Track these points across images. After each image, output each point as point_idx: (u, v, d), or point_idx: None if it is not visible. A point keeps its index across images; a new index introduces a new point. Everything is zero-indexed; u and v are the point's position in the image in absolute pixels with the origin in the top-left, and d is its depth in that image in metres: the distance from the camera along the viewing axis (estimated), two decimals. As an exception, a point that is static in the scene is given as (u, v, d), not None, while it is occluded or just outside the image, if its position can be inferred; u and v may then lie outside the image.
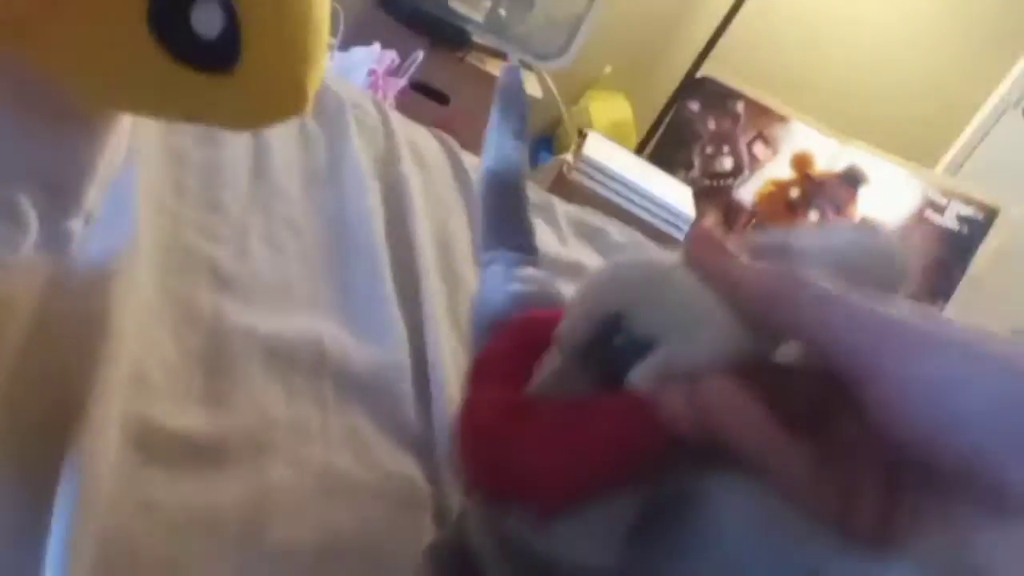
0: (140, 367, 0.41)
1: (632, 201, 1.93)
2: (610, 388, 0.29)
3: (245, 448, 0.41)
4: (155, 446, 0.38)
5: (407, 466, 0.46)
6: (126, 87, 0.28)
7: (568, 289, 0.69)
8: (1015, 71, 2.17)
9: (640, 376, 0.28)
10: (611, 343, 0.29)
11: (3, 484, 0.33)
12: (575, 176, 1.93)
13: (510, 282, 0.43)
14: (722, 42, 2.12)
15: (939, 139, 2.27)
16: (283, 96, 0.30)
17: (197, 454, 0.39)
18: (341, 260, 0.57)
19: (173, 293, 0.46)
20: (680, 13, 2.30)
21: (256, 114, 0.30)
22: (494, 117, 0.48)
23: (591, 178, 1.94)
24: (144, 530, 0.35)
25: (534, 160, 2.19)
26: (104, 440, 0.36)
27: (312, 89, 0.31)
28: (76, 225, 0.31)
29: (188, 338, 0.45)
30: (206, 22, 0.27)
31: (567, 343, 0.31)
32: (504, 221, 0.47)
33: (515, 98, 0.48)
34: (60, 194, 0.30)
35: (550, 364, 0.33)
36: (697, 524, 0.29)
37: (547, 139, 2.26)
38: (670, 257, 0.31)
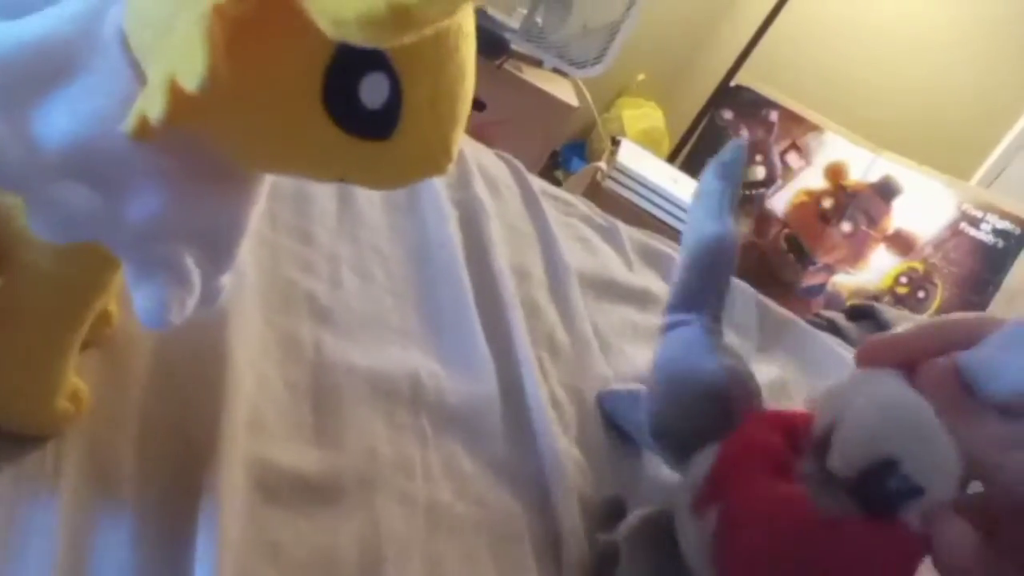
0: (254, 404, 0.42)
1: (665, 210, 1.94)
2: (873, 512, 0.35)
3: (356, 486, 0.42)
4: (274, 486, 0.39)
5: (504, 498, 0.47)
6: (291, 153, 0.29)
7: (634, 315, 0.70)
8: (1053, 84, 2.16)
9: (912, 515, 0.35)
10: (884, 482, 0.35)
11: (140, 520, 0.34)
12: (608, 184, 1.94)
13: (715, 352, 0.45)
14: (757, 51, 2.11)
15: (974, 151, 2.26)
16: (432, 159, 0.31)
17: (312, 493, 0.40)
18: (426, 289, 0.58)
19: (277, 327, 0.47)
20: (715, 21, 2.30)
21: (406, 174, 0.31)
22: (714, 185, 0.49)
23: (624, 186, 1.95)
24: (270, 572, 0.36)
25: (566, 166, 2.19)
26: (233, 481, 0.37)
27: (456, 149, 0.32)
28: (227, 280, 0.32)
29: (294, 373, 0.46)
30: (373, 93, 0.28)
31: (838, 471, 0.36)
32: (711, 288, 0.47)
33: (739, 173, 0.49)
34: (217, 252, 0.31)
35: (808, 467, 0.38)
36: None
37: (579, 145, 2.26)
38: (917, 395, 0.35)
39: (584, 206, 0.83)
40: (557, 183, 2.04)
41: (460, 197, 0.68)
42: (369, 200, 0.62)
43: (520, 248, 0.68)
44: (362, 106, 0.28)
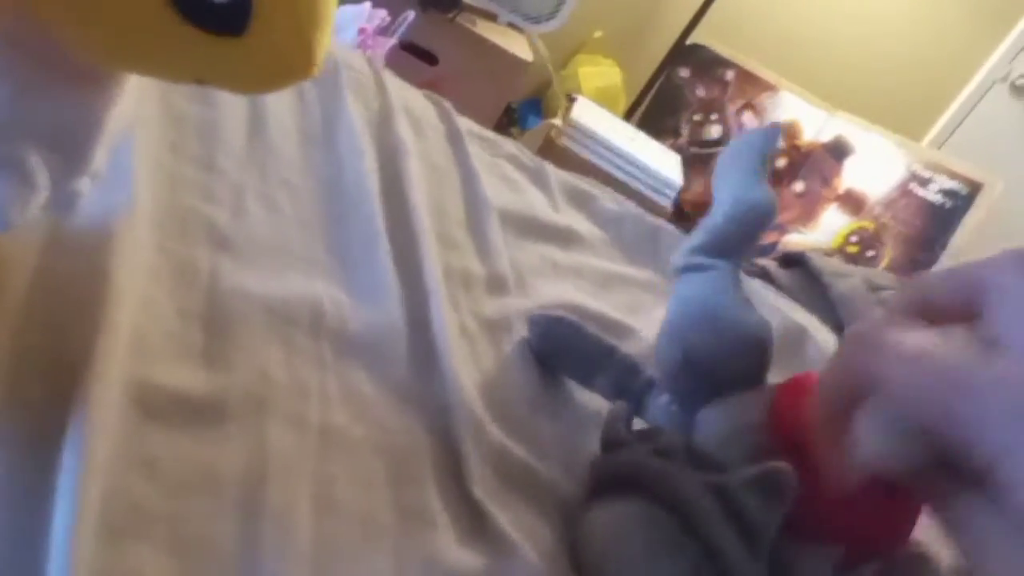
0: (139, 327, 0.41)
1: (620, 167, 1.94)
2: None
3: (245, 407, 0.42)
4: (155, 405, 0.39)
5: (406, 423, 0.47)
6: (137, 48, 0.28)
7: (565, 257, 0.70)
8: (1002, 46, 2.18)
9: None
10: None
11: (7, 441, 0.33)
12: (563, 141, 1.93)
13: (749, 304, 0.47)
14: (713, 9, 2.11)
15: (926, 112, 2.28)
16: (292, 59, 0.30)
17: (197, 413, 0.40)
18: (337, 221, 0.57)
19: (171, 253, 0.46)
20: (672, -22, 2.29)
21: (265, 77, 0.30)
22: (757, 152, 0.50)
23: (579, 143, 1.94)
24: (145, 488, 0.36)
25: (523, 124, 2.18)
26: (107, 399, 0.36)
27: (321, 53, 0.31)
28: (83, 185, 0.31)
29: (186, 298, 0.45)
30: (219, -16, 0.27)
31: None
32: (746, 244, 0.49)
33: (774, 152, 0.50)
34: (69, 154, 0.30)
35: None
36: None
37: (536, 102, 2.25)
38: None
39: (512, 147, 0.83)
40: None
41: (381, 134, 0.67)
42: (282, 133, 0.61)
43: (440, 185, 0.67)
44: (208, -2, 0.27)
